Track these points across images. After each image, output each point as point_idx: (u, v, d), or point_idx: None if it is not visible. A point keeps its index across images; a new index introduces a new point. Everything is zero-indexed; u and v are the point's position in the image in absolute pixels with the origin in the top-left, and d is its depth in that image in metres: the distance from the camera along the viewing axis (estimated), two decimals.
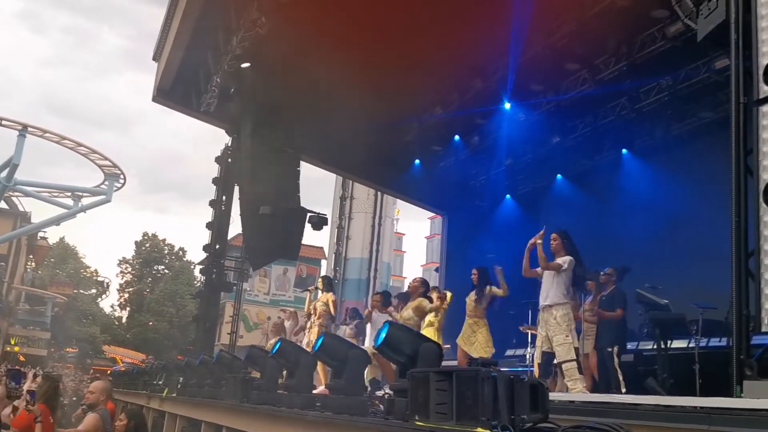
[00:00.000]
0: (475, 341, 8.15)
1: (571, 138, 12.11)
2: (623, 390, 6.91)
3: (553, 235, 6.97)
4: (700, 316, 7.32)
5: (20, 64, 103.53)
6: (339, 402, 3.33)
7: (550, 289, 6.78)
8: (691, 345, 7.28)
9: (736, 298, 4.05)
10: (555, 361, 6.64)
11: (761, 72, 4.13)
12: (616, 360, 7.30)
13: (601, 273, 7.87)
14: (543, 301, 6.82)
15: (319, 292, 9.62)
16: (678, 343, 7.48)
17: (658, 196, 10.60)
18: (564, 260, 6.72)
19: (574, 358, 6.49)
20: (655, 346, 7.45)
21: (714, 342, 7.33)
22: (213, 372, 6.36)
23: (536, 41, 9.81)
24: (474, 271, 8.38)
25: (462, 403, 2.21)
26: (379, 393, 4.19)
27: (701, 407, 3.40)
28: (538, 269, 6.89)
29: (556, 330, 6.56)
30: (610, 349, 7.34)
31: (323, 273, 28.95)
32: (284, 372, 4.71)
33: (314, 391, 4.43)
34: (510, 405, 2.08)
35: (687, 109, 10.51)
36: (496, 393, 2.08)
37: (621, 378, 7.17)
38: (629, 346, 7.91)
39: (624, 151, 11.76)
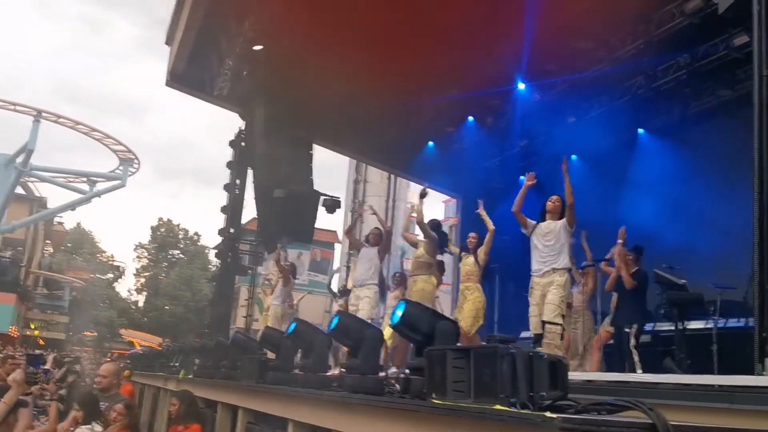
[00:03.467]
0: (464, 308, 7.86)
1: (586, 118, 11.97)
2: (639, 371, 6.86)
3: (557, 197, 6.72)
4: (718, 296, 7.26)
5: (34, 51, 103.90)
6: (355, 381, 3.32)
7: (561, 254, 6.49)
8: (708, 325, 7.22)
9: (758, 275, 3.98)
10: (543, 318, 6.37)
11: None
12: (632, 341, 7.25)
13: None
14: (551, 263, 6.46)
15: None
16: (696, 324, 7.42)
17: (675, 176, 10.47)
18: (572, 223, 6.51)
19: (561, 323, 6.34)
20: (672, 327, 7.39)
21: (732, 322, 7.27)
22: (229, 353, 6.38)
23: (551, 20, 9.67)
24: (473, 234, 8.22)
25: (480, 381, 2.18)
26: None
27: (722, 385, 3.36)
28: (529, 221, 6.63)
29: (557, 291, 6.33)
30: (627, 330, 7.28)
31: (337, 257, 29.01)
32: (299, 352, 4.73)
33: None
34: (529, 382, 2.05)
35: (705, 87, 10.35)
36: (514, 370, 2.05)
37: (636, 359, 7.11)
38: (647, 326, 7.86)
39: (640, 130, 11.61)
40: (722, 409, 2.93)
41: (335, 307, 10.29)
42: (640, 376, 4.64)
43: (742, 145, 5.01)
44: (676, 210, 10.02)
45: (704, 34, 9.41)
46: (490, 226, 7.80)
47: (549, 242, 6.51)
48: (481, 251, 8.01)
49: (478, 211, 7.94)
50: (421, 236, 8.50)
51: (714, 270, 8.19)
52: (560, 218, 6.59)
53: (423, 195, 8.28)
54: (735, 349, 5.95)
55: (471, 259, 8.03)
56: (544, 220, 6.74)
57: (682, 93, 10.61)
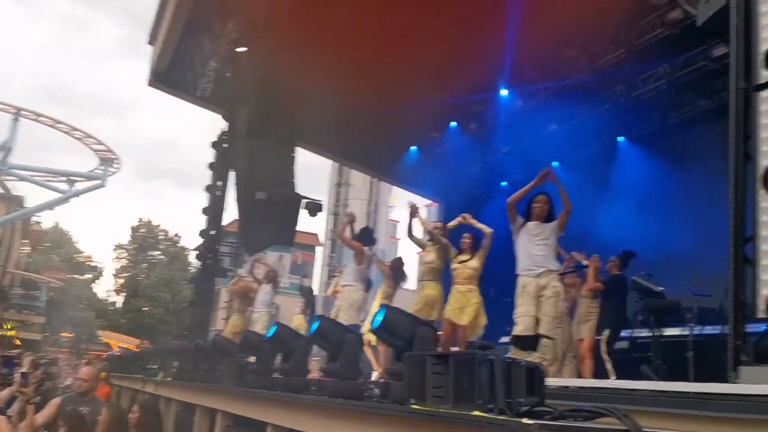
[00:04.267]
0: (468, 310, 7.39)
1: (568, 125, 12.09)
2: (612, 378, 6.89)
3: (544, 198, 6.45)
4: (694, 303, 7.36)
5: (16, 50, 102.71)
6: (334, 386, 3.32)
7: (551, 256, 6.24)
8: (685, 332, 7.31)
9: (733, 283, 4.05)
10: (540, 330, 5.97)
11: (761, 57, 4.11)
12: (603, 347, 7.30)
13: (609, 261, 7.91)
14: (545, 265, 6.15)
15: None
16: (672, 331, 7.51)
17: (654, 184, 10.61)
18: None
19: (555, 338, 6.16)
20: (650, 333, 7.48)
21: (708, 330, 7.36)
22: (208, 356, 6.34)
23: (534, 27, 9.76)
24: (467, 235, 7.86)
25: (459, 387, 2.20)
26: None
27: (696, 392, 3.40)
28: (518, 218, 6.31)
29: (555, 302, 6.03)
30: (598, 337, 7.34)
31: (318, 259, 28.97)
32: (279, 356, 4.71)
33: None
34: (507, 388, 2.07)
35: (684, 96, 10.51)
36: (493, 376, 2.07)
37: (609, 366, 7.15)
38: (624, 333, 7.94)
39: (620, 138, 11.75)
40: (695, 416, 2.98)
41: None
42: (616, 382, 4.69)
43: (720, 154, 5.09)
44: (654, 217, 10.15)
45: (684, 44, 9.56)
46: (487, 229, 7.58)
47: (540, 243, 6.27)
48: (482, 255, 7.68)
49: (468, 222, 7.73)
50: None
51: (691, 277, 8.30)
52: (546, 221, 6.38)
53: (413, 214, 8.12)
54: (711, 356, 6.04)
55: (474, 262, 7.63)
56: (529, 220, 6.49)
57: (662, 102, 10.76)
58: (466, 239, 7.81)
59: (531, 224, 6.39)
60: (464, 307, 7.43)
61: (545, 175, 6.49)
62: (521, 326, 6.05)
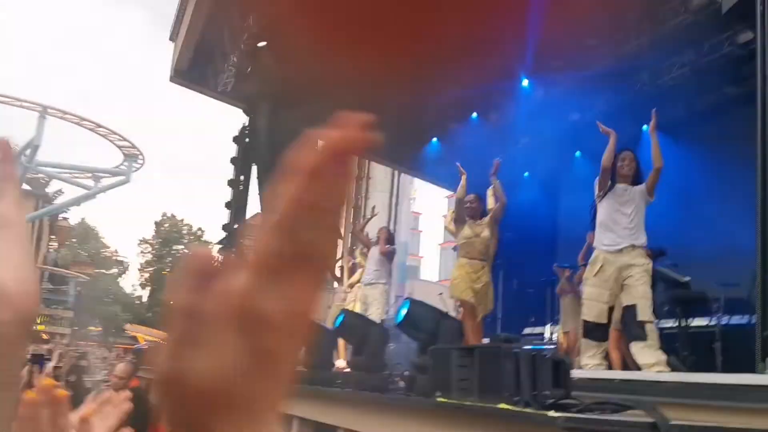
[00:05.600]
0: (479, 289, 6.40)
1: (590, 114, 11.94)
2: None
3: (631, 154, 5.76)
4: (722, 293, 7.27)
5: (39, 46, 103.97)
6: (360, 378, 3.35)
7: (639, 228, 5.38)
8: (712, 323, 7.23)
9: (761, 273, 4.00)
10: (638, 317, 5.06)
11: None
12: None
13: None
14: (630, 238, 5.34)
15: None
16: (699, 321, 7.43)
17: (679, 173, 10.45)
18: None
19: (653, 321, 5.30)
20: (676, 324, 7.41)
21: (735, 320, 7.27)
22: None
23: (555, 15, 9.65)
24: (471, 197, 7.16)
25: (484, 379, 2.21)
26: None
27: (724, 383, 3.37)
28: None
29: (647, 280, 5.18)
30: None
31: (339, 251, 29.01)
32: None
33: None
34: (532, 381, 2.07)
35: (710, 83, 10.33)
36: (518, 369, 2.08)
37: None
38: None
39: (645, 127, 11.58)
40: (723, 407, 2.95)
41: (335, 303, 10.39)
42: (643, 374, 4.65)
43: (748, 141, 5.01)
44: (680, 207, 10.01)
45: (709, 30, 9.40)
46: (503, 198, 6.93)
47: (627, 210, 5.45)
48: (493, 225, 6.94)
49: (492, 177, 7.05)
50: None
51: (718, 267, 8.19)
52: (633, 183, 5.60)
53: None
54: (738, 346, 5.96)
55: (487, 231, 6.78)
56: (614, 183, 5.63)
57: (687, 90, 10.59)
58: (470, 202, 7.11)
59: (619, 186, 5.61)
60: (474, 283, 6.45)
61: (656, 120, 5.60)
62: (590, 312, 5.33)
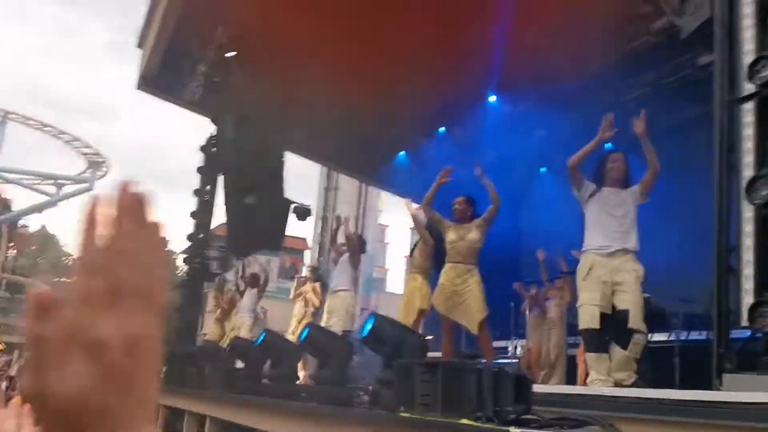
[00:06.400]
0: (466, 300, 6.23)
1: (556, 131, 12.15)
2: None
3: (621, 156, 5.54)
4: (681, 309, 7.43)
5: (5, 52, 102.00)
6: (324, 392, 3.34)
7: (631, 232, 5.21)
8: (671, 338, 7.38)
9: (716, 292, 4.11)
10: (630, 325, 4.85)
11: (744, 70, 4.18)
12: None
13: None
14: (622, 242, 5.15)
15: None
16: (658, 337, 7.57)
17: None
18: None
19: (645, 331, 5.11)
20: None
21: (694, 335, 7.44)
22: (197, 361, 6.34)
23: (522, 34, 9.83)
24: (460, 200, 6.97)
25: (447, 395, 2.23)
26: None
27: (680, 399, 3.45)
28: (587, 182, 5.29)
29: (638, 288, 4.98)
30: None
31: (306, 264, 28.90)
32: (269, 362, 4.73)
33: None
34: (494, 397, 2.10)
35: (671, 104, 10.59)
36: (481, 385, 2.11)
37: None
38: None
39: (608, 145, 11.80)
40: (679, 423, 3.02)
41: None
42: (601, 389, 4.71)
43: (706, 162, 5.15)
44: (641, 223, 10.20)
45: (670, 52, 9.65)
46: (498, 199, 6.72)
47: (618, 213, 5.33)
48: (484, 226, 6.72)
49: (479, 175, 6.75)
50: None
51: (677, 283, 8.36)
52: (624, 186, 5.51)
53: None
54: (697, 362, 6.09)
55: (476, 234, 6.56)
56: (602, 185, 5.51)
57: (648, 109, 10.82)
58: (459, 203, 6.87)
59: (606, 191, 5.50)
60: (461, 293, 6.34)
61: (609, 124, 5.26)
62: (582, 318, 5.07)
